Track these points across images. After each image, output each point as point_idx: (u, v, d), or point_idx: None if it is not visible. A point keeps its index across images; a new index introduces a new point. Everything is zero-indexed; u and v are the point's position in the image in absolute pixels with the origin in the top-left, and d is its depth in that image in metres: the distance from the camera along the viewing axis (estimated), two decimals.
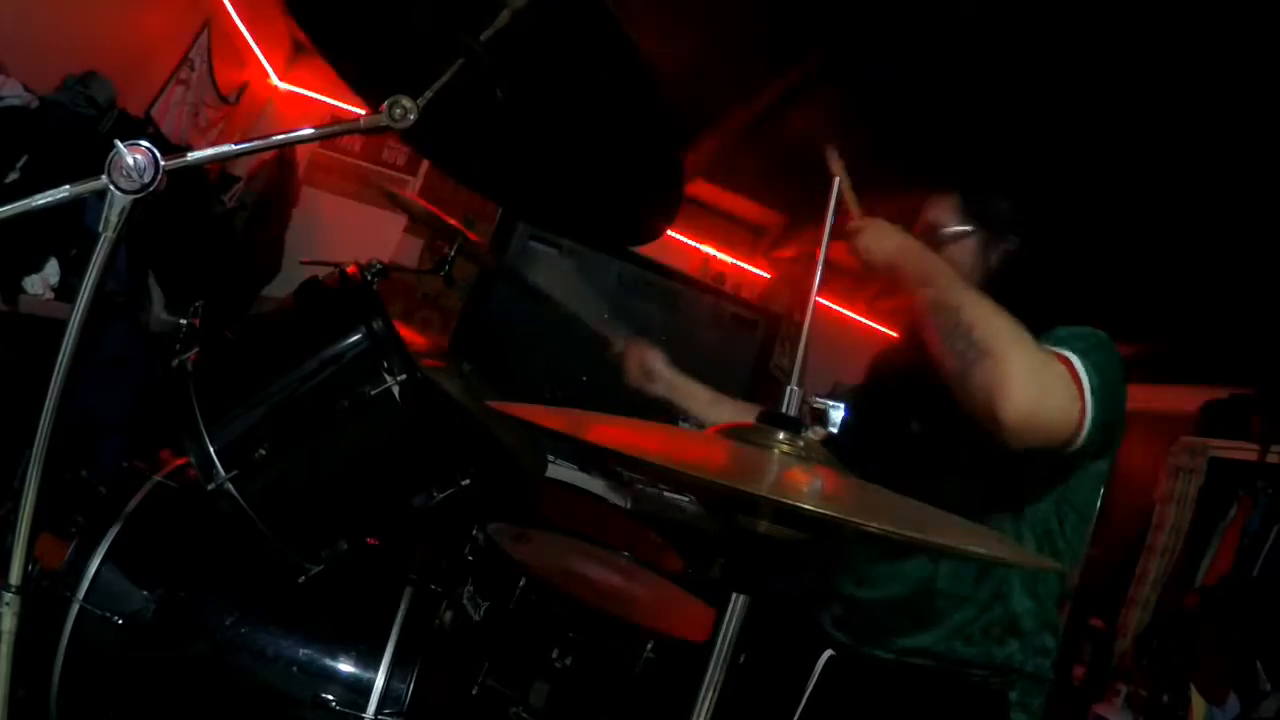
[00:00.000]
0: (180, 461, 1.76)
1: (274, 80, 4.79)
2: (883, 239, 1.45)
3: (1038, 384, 1.22)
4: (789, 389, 0.84)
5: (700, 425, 1.99)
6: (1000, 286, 1.47)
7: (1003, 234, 1.57)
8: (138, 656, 1.54)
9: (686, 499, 3.44)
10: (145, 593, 1.56)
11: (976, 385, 1.23)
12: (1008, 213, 1.58)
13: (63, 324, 0.97)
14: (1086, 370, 1.26)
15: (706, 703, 0.82)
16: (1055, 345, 1.30)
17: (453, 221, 2.29)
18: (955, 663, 1.44)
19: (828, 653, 1.54)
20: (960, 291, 1.33)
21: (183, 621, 1.57)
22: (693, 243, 5.31)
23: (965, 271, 1.54)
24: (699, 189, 4.93)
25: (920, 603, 1.46)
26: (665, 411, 2.03)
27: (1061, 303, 1.55)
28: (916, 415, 1.55)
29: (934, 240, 1.58)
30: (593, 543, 2.18)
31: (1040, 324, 1.41)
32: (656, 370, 2.00)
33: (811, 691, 1.52)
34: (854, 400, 1.90)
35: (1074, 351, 1.28)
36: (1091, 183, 3.04)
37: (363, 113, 1.11)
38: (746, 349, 4.45)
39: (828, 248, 0.93)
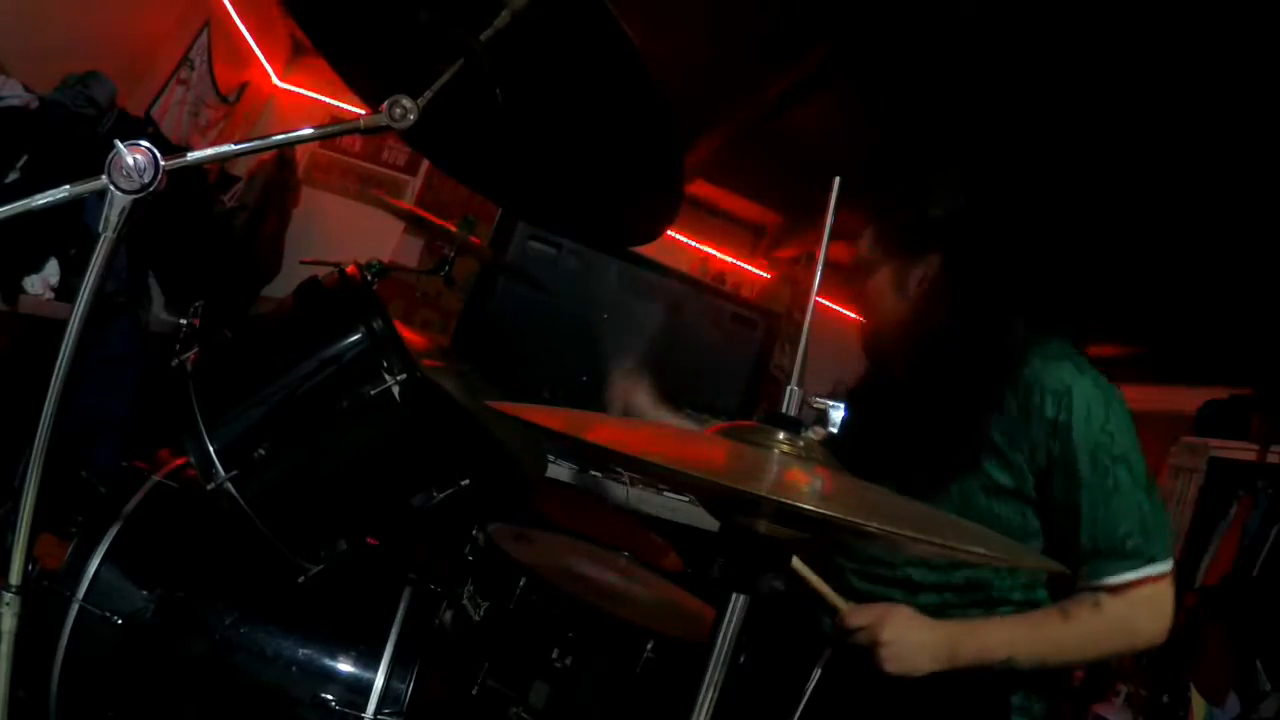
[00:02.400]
0: (180, 461, 1.76)
1: (274, 80, 4.79)
2: (914, 659, 1.34)
3: (1134, 622, 1.32)
4: (789, 389, 0.84)
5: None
6: (943, 298, 1.48)
7: (918, 256, 1.52)
8: (137, 656, 1.54)
9: (687, 499, 3.44)
10: (145, 592, 1.56)
11: (1116, 655, 1.34)
12: (921, 234, 1.52)
13: (63, 324, 0.97)
14: (1146, 547, 1.31)
15: (706, 703, 0.82)
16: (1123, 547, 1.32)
17: (444, 223, 2.28)
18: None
19: (829, 651, 1.54)
20: (1009, 643, 1.34)
21: (182, 621, 1.57)
22: (693, 243, 5.31)
23: (888, 302, 1.55)
24: (699, 189, 4.93)
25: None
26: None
27: (1058, 307, 1.56)
28: (914, 414, 1.55)
29: (860, 276, 1.58)
30: (593, 543, 2.17)
31: (1037, 331, 1.43)
32: (637, 409, 1.95)
33: (812, 690, 1.52)
34: (851, 400, 1.91)
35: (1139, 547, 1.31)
36: (1092, 183, 3.05)
37: (363, 113, 1.11)
38: (746, 349, 4.43)
39: (828, 248, 0.93)
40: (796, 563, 1.40)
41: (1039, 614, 1.39)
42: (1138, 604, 1.30)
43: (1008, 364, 1.42)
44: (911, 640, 1.34)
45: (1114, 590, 1.31)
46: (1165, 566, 1.31)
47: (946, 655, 1.34)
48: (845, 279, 1.63)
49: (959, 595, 1.47)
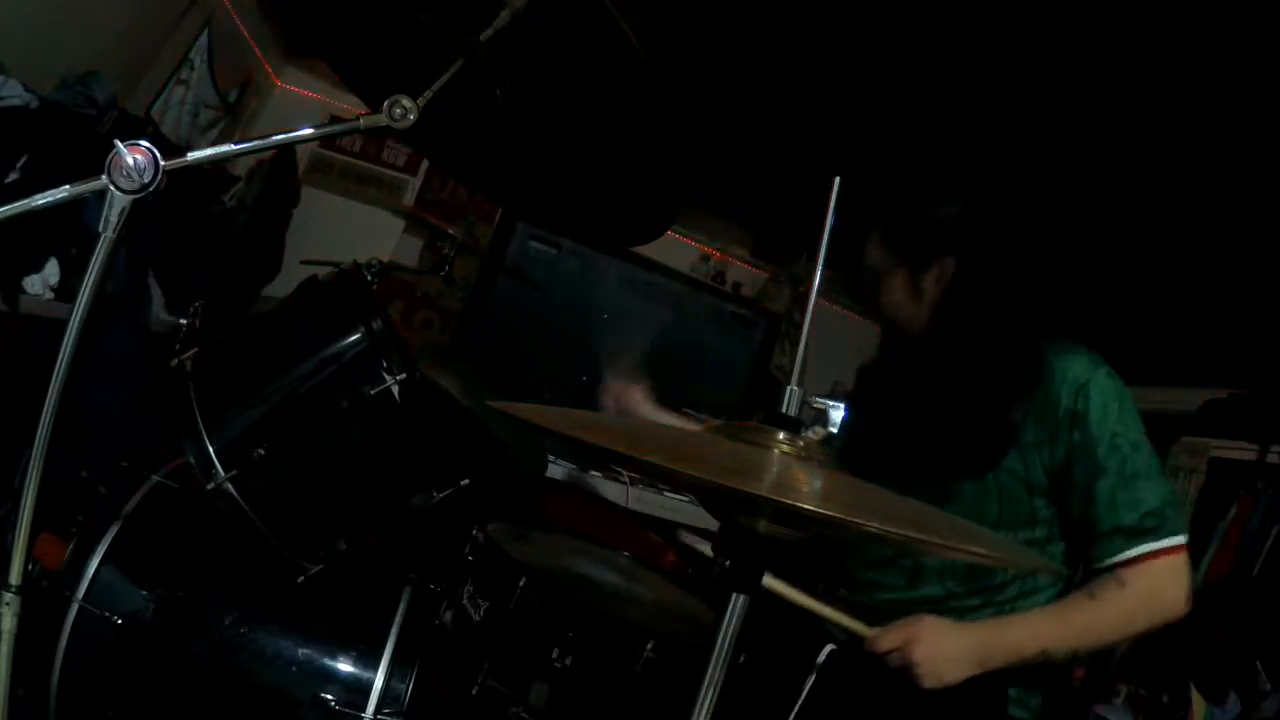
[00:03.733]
0: (179, 461, 1.76)
1: (274, 80, 4.79)
2: (948, 670, 1.34)
3: (1161, 594, 1.36)
4: (789, 389, 0.84)
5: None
6: (963, 301, 1.51)
7: (931, 259, 1.54)
8: (137, 656, 1.54)
9: (687, 499, 3.44)
10: (145, 592, 1.56)
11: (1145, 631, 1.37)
12: (931, 237, 1.54)
13: (63, 324, 0.97)
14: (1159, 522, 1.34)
15: (706, 703, 0.82)
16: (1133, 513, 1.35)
17: (441, 223, 2.28)
18: None
19: (829, 647, 1.55)
20: (1040, 637, 1.36)
21: (182, 621, 1.57)
22: (693, 243, 5.31)
23: (907, 308, 1.57)
24: (699, 189, 4.93)
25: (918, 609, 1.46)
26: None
27: (1061, 309, 1.57)
28: (912, 414, 1.55)
29: (872, 282, 1.60)
30: (593, 543, 2.17)
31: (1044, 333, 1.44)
32: (632, 410, 1.94)
33: (812, 685, 1.53)
34: (851, 400, 1.91)
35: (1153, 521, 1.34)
36: (1092, 183, 3.05)
37: (363, 113, 1.11)
38: (746, 349, 4.44)
39: (827, 247, 0.93)
40: (811, 601, 1.38)
41: (1065, 603, 1.40)
42: (1161, 576, 1.35)
43: (1032, 360, 1.45)
44: (944, 654, 1.34)
45: (1136, 565, 1.34)
46: (1182, 538, 1.36)
47: (979, 661, 1.35)
48: (850, 286, 1.64)
49: (961, 583, 1.48)
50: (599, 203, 1.47)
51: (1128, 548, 1.35)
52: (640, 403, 1.95)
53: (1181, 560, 1.36)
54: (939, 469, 1.46)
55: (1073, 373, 1.42)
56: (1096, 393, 1.40)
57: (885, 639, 1.37)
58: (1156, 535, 1.34)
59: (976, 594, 1.48)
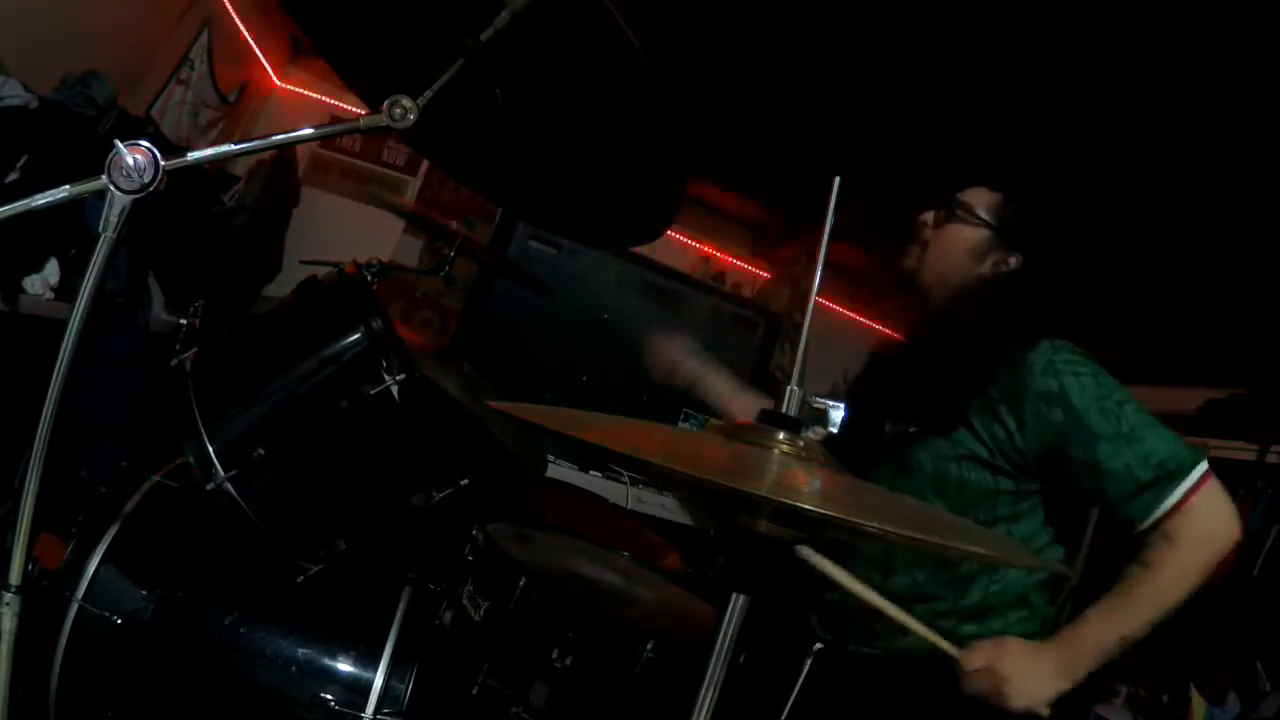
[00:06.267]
0: (179, 461, 1.76)
1: (274, 80, 4.79)
2: (1039, 686, 1.33)
3: (1211, 528, 1.33)
4: (789, 389, 0.84)
5: (722, 415, 1.97)
6: (998, 295, 1.54)
7: (1011, 246, 1.59)
8: (136, 656, 1.54)
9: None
10: (144, 592, 1.56)
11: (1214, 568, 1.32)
12: (1023, 229, 1.59)
13: (63, 324, 0.97)
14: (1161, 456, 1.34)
15: (706, 703, 0.82)
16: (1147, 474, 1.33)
17: (443, 221, 2.28)
18: (939, 660, 1.44)
19: (818, 645, 1.55)
20: (1114, 627, 1.35)
21: (181, 621, 1.57)
22: (693, 243, 5.31)
23: (959, 258, 1.61)
24: (699, 189, 4.93)
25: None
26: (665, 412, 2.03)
27: (1060, 306, 1.58)
28: (910, 415, 1.56)
29: (954, 218, 1.62)
30: (593, 543, 2.17)
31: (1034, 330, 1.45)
32: (680, 367, 1.97)
33: (802, 684, 1.53)
34: (851, 400, 1.91)
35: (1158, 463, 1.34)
36: (1092, 183, 3.04)
37: (363, 113, 1.11)
38: (746, 349, 4.44)
39: (828, 248, 0.93)
40: (908, 619, 1.34)
41: (1123, 584, 1.37)
42: (1204, 512, 1.32)
43: (1017, 351, 1.46)
44: (1033, 672, 1.33)
45: (1176, 513, 1.32)
46: (1204, 466, 1.34)
47: (1069, 672, 1.34)
48: (930, 203, 1.65)
49: (930, 574, 1.48)
50: (599, 203, 1.47)
51: (1159, 500, 1.32)
52: (684, 359, 1.97)
53: (1214, 486, 1.33)
54: (904, 424, 1.48)
55: (1037, 358, 1.42)
56: (1066, 367, 1.40)
57: (973, 657, 1.36)
58: (1182, 475, 1.32)
59: (945, 585, 1.48)
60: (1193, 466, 1.33)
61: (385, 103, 1.05)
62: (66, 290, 2.54)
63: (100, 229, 0.95)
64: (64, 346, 0.97)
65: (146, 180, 0.94)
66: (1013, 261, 1.58)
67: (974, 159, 3.15)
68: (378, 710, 1.55)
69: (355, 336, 1.56)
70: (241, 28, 4.14)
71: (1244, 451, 4.09)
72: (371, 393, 1.51)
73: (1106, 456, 1.34)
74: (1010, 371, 1.44)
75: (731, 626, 0.82)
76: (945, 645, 1.36)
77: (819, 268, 0.86)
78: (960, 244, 1.62)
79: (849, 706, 1.52)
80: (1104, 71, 2.51)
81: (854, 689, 1.52)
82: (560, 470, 3.35)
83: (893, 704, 1.48)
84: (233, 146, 1.06)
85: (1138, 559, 1.36)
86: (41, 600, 1.49)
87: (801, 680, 1.54)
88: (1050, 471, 1.44)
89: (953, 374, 1.48)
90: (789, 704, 1.53)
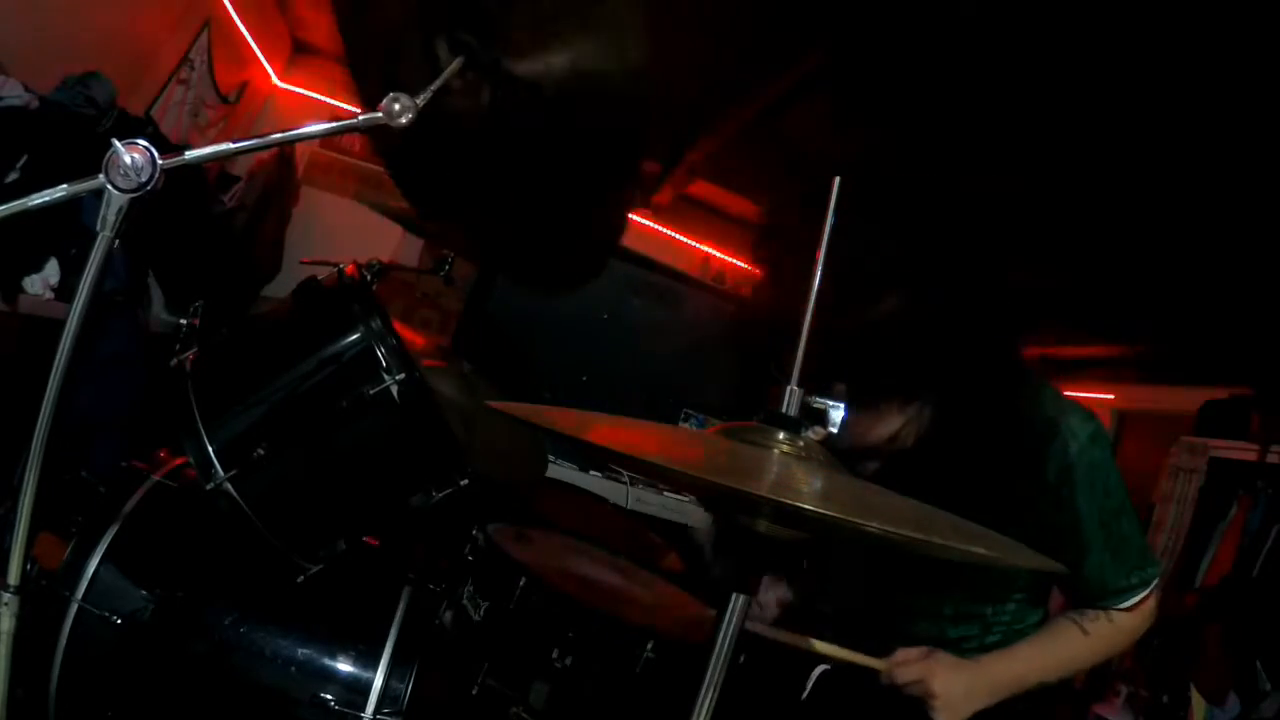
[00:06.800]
0: (179, 461, 1.76)
1: (274, 80, 4.79)
2: (963, 705, 1.38)
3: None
4: (789, 389, 0.84)
5: None
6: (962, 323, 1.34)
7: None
8: (136, 656, 1.54)
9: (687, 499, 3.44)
10: (144, 592, 1.55)
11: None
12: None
13: (63, 324, 0.97)
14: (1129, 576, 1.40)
15: (706, 703, 0.82)
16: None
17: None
18: None
19: (820, 668, 1.55)
20: (1040, 669, 1.43)
21: (181, 621, 1.57)
22: (693, 242, 5.31)
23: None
24: (699, 189, 4.93)
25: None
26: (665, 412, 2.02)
27: (1057, 311, 1.55)
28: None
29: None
30: (593, 543, 2.17)
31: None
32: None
33: (809, 692, 1.53)
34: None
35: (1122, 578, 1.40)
36: (1093, 183, 3.04)
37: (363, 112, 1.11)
38: (747, 349, 4.44)
39: (828, 248, 0.93)
40: (820, 644, 1.42)
41: (1059, 635, 1.46)
42: (1146, 613, 1.44)
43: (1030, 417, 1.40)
44: (960, 689, 1.39)
45: (1128, 610, 1.43)
46: (1157, 576, 1.44)
47: (989, 694, 1.40)
48: None
49: (954, 626, 1.48)
50: (566, 237, 1.46)
51: (1120, 602, 1.42)
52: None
53: (1157, 592, 1.45)
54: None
55: (1057, 448, 1.35)
56: (1082, 476, 1.34)
57: (902, 670, 1.39)
58: (1144, 586, 1.42)
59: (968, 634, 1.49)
60: (1154, 578, 1.42)
61: (384, 100, 1.06)
62: (66, 290, 2.54)
63: (98, 228, 0.95)
64: (62, 346, 0.97)
65: (144, 179, 0.94)
66: (938, 295, 1.34)
67: (974, 158, 3.14)
68: (377, 710, 1.55)
69: (355, 336, 1.56)
70: (241, 28, 4.14)
71: (1244, 451, 4.09)
72: (371, 393, 1.51)
73: (1093, 567, 1.39)
74: (1035, 452, 1.37)
75: (731, 626, 0.82)
76: (869, 660, 1.41)
77: (819, 268, 0.86)
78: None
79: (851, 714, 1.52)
80: (1107, 69, 2.51)
81: (861, 701, 1.51)
82: (560, 470, 3.35)
83: (894, 711, 1.47)
84: (232, 146, 1.06)
85: (1079, 623, 1.44)
86: (41, 600, 1.49)
87: (810, 685, 1.54)
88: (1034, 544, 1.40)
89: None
90: (798, 703, 1.52)
